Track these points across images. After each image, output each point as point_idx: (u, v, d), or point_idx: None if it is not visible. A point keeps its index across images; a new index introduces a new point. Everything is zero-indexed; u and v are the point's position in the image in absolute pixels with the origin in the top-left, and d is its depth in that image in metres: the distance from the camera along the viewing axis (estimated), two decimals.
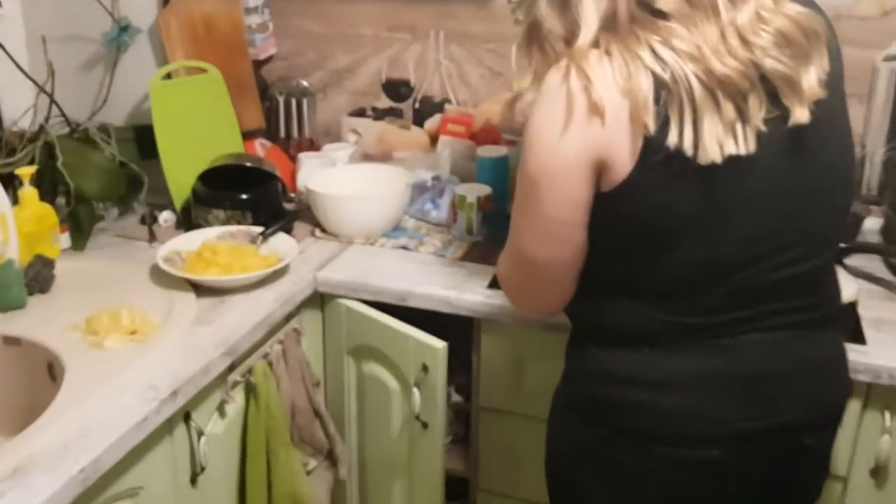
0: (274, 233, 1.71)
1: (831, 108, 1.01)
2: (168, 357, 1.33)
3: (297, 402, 1.57)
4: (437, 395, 1.50)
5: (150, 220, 1.83)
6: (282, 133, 2.20)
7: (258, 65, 2.19)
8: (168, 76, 1.93)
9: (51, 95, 1.80)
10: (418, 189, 1.88)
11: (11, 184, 1.61)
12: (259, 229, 1.71)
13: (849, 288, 1.36)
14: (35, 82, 1.79)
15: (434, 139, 2.06)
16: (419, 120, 2.12)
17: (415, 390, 1.51)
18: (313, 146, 2.18)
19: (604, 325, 1.09)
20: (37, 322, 1.43)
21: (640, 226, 0.99)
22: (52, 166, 1.70)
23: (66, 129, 1.85)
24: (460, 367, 1.72)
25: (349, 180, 1.89)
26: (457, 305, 1.55)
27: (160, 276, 1.58)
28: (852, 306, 1.44)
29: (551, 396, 1.20)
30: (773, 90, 0.95)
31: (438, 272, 1.65)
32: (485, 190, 1.77)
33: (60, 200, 1.72)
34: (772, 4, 0.96)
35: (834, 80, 1.01)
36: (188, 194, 1.83)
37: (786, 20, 0.95)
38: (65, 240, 1.72)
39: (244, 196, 1.78)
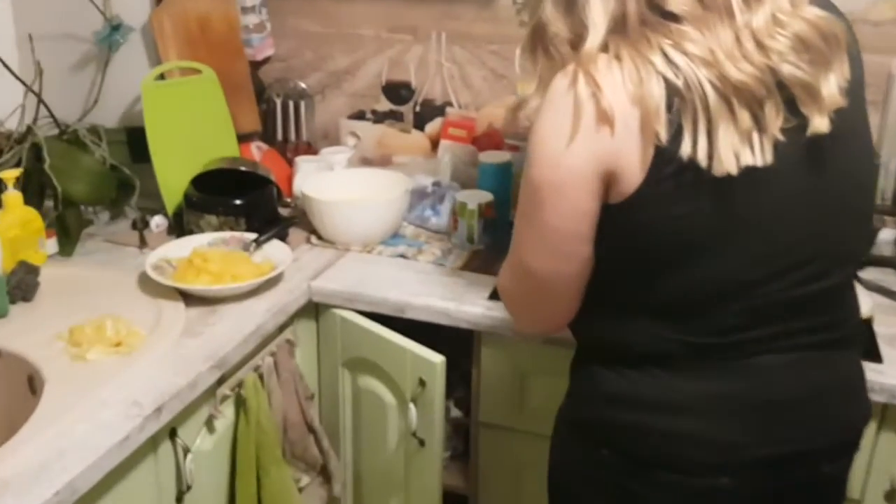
0: (268, 240, 1.66)
1: (852, 116, 0.97)
2: (153, 371, 1.28)
3: (289, 417, 1.52)
4: (434, 412, 1.45)
5: (141, 225, 1.78)
6: (279, 136, 2.17)
7: (255, 66, 2.15)
8: (161, 77, 1.89)
9: (38, 95, 1.76)
10: (418, 195, 1.84)
11: None
12: (252, 236, 1.66)
13: (864, 303, 1.31)
14: (23, 82, 1.75)
15: (435, 143, 2.03)
16: (420, 123, 2.09)
17: (411, 406, 1.46)
18: (311, 150, 2.14)
19: (610, 344, 1.05)
20: (18, 332, 1.38)
21: (650, 240, 0.95)
22: (40, 169, 1.66)
23: (56, 131, 1.81)
24: (460, 379, 1.67)
25: (347, 185, 1.84)
26: (456, 317, 1.50)
27: (149, 285, 1.52)
28: (868, 322, 1.39)
29: (553, 413, 1.16)
30: (790, 98, 0.91)
31: (437, 282, 1.60)
32: (486, 197, 1.72)
33: (48, 204, 1.67)
34: (789, 7, 0.91)
35: (855, 88, 0.96)
36: (181, 199, 1.78)
37: (804, 24, 0.91)
38: (52, 245, 1.68)
39: (238, 201, 1.73)
